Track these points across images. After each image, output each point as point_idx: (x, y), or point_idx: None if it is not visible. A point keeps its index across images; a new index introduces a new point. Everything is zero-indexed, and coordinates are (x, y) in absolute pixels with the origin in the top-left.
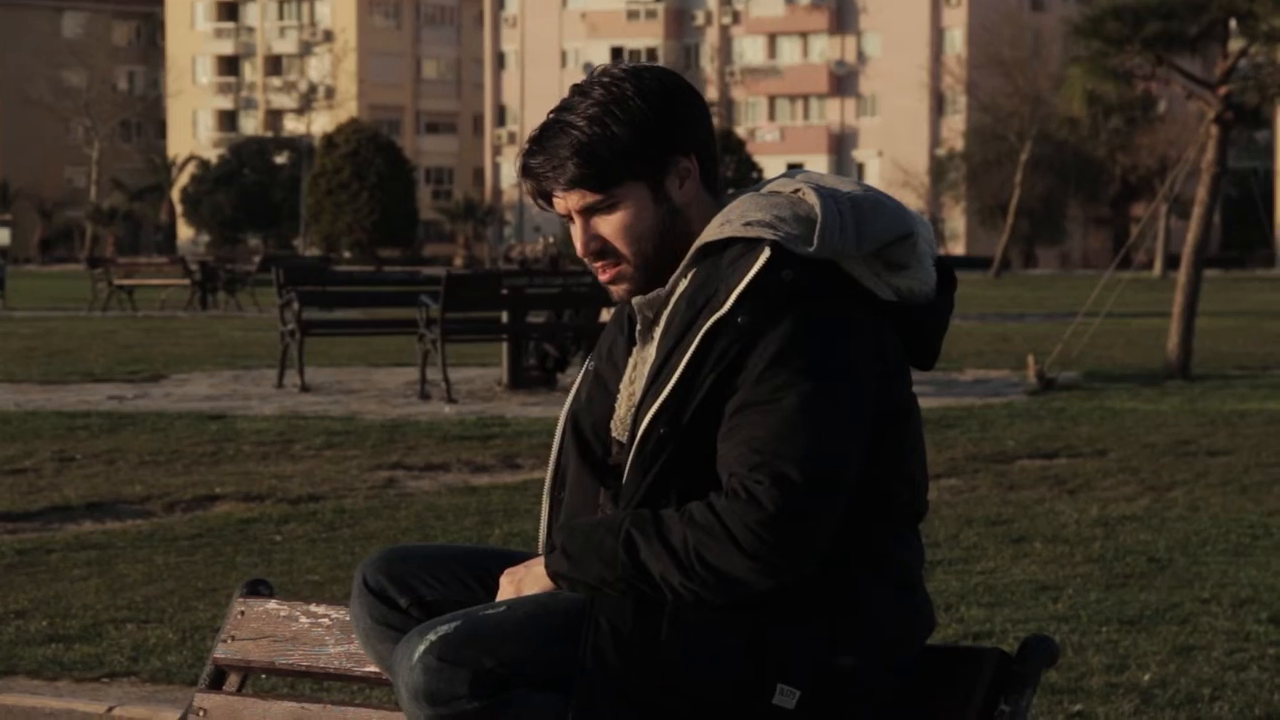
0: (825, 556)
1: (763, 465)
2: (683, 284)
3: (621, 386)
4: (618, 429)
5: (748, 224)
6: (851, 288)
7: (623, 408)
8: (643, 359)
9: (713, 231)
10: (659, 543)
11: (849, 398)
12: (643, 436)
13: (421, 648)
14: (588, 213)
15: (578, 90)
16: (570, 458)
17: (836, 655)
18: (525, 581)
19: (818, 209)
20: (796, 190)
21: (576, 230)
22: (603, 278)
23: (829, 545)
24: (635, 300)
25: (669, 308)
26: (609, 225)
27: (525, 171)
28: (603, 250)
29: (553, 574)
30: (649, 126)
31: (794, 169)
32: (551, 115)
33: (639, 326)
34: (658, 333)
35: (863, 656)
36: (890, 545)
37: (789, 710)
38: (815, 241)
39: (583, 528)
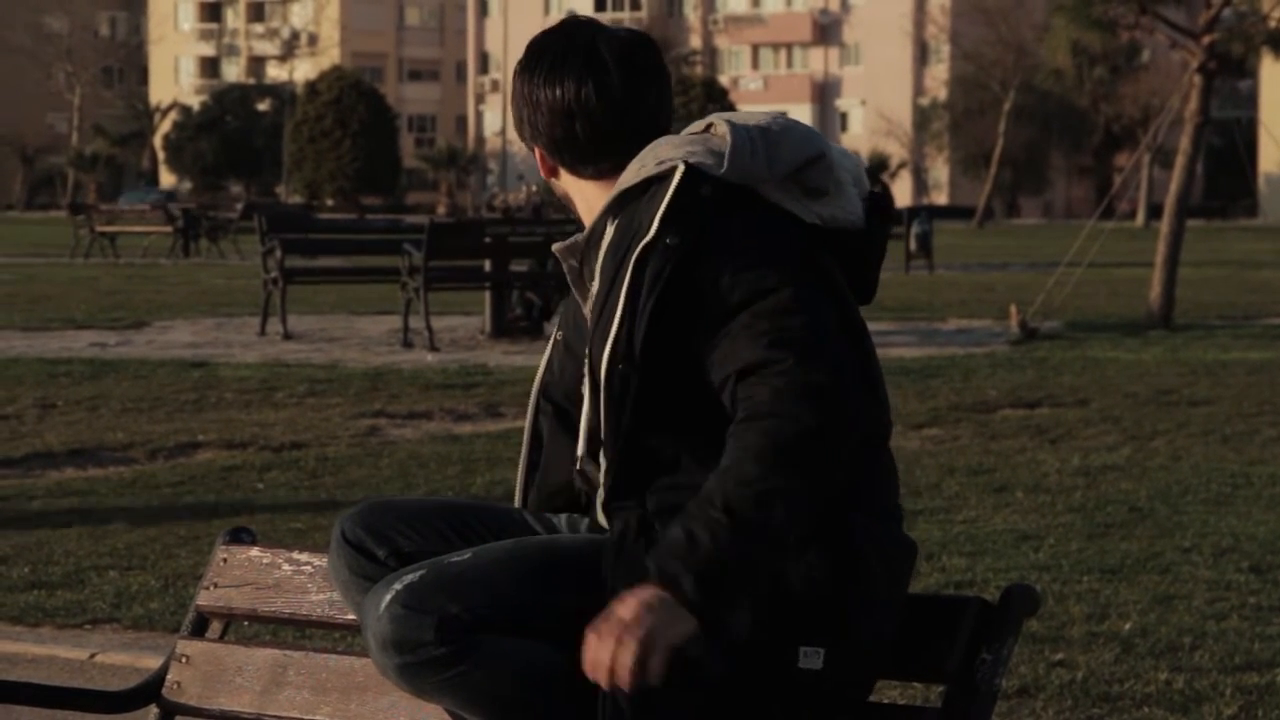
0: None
1: (765, 363)
2: (609, 231)
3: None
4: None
5: (660, 163)
6: (761, 200)
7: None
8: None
9: (630, 176)
10: (743, 482)
11: (806, 278)
12: (606, 378)
13: (388, 597)
14: None
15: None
16: (547, 426)
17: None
18: (634, 622)
19: (727, 136)
20: (709, 126)
21: None
22: None
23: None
24: (555, 248)
25: (601, 251)
26: None
27: None
28: None
29: (692, 604)
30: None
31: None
32: None
33: (569, 278)
34: (593, 279)
35: (865, 605)
36: (873, 470)
37: (817, 670)
38: (726, 164)
39: (669, 548)
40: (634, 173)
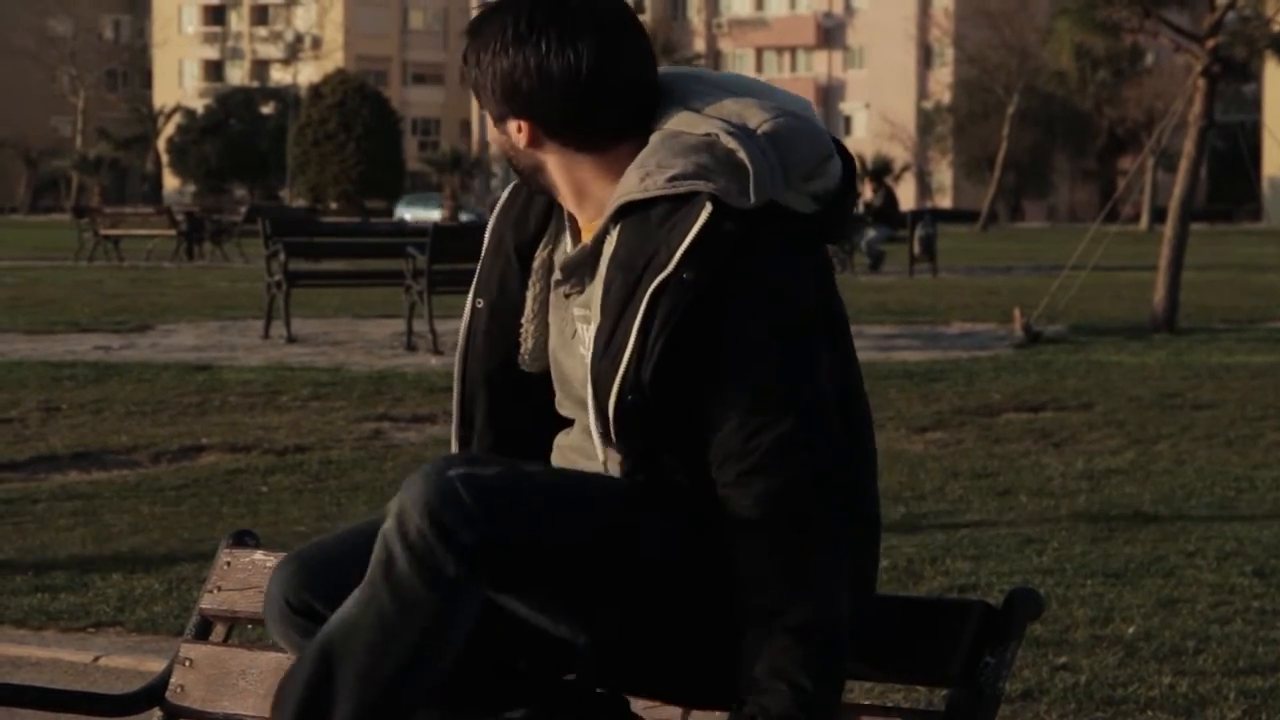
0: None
1: (761, 429)
2: (610, 244)
3: (524, 323)
4: (526, 362)
5: (671, 179)
6: (781, 212)
7: (528, 343)
8: (556, 304)
9: (634, 188)
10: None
11: (815, 331)
12: (615, 412)
13: (460, 471)
14: None
15: None
16: (477, 399)
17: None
18: None
19: (744, 157)
20: (708, 134)
21: None
22: None
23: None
24: (561, 263)
25: (602, 272)
26: None
27: None
28: None
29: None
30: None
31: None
32: None
33: (555, 277)
34: (594, 295)
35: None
36: (860, 470)
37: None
38: (753, 195)
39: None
40: (640, 183)
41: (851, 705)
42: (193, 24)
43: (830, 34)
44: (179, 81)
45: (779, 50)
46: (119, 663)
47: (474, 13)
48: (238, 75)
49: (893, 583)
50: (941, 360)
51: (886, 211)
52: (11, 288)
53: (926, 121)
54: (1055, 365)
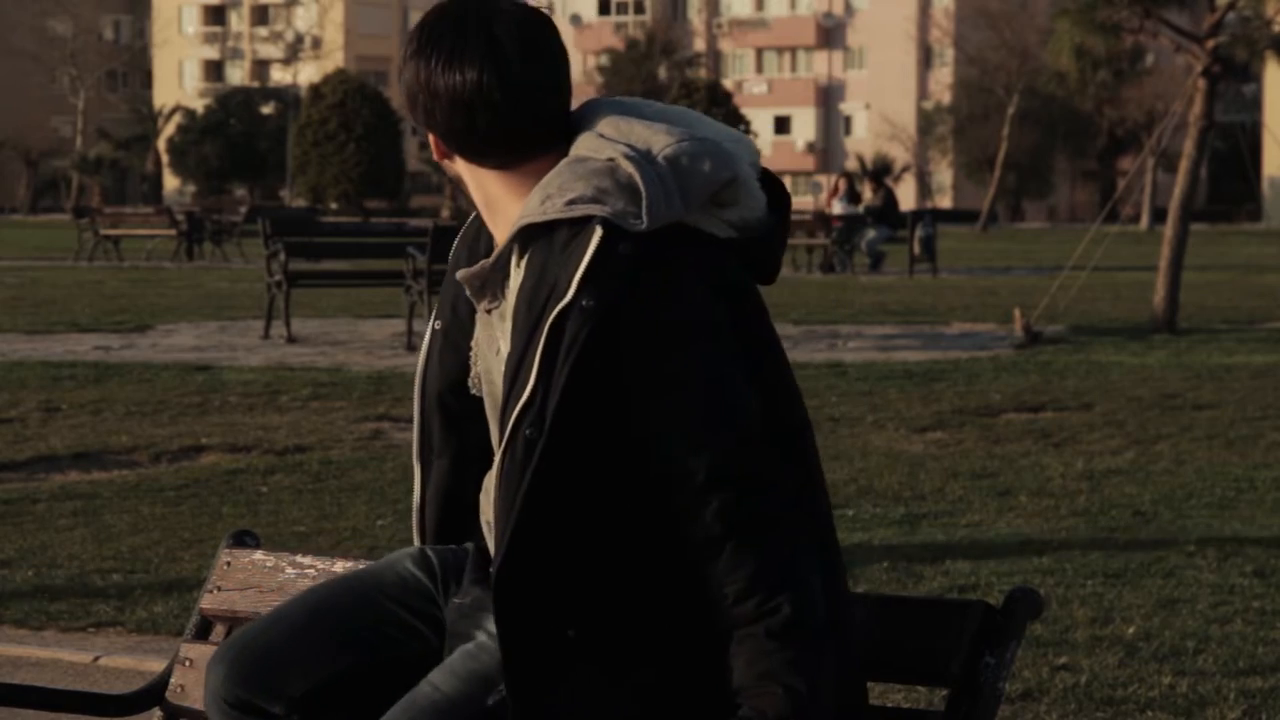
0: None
1: (700, 448)
2: (517, 269)
3: (473, 344)
4: (475, 385)
5: (570, 203)
6: (688, 234)
7: (477, 365)
8: (484, 323)
9: (534, 211)
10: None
11: (730, 351)
12: (508, 441)
13: None
14: None
15: None
16: (434, 420)
17: None
18: None
19: (638, 181)
20: (610, 159)
21: None
22: None
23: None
24: (460, 275)
25: (512, 299)
26: None
27: None
28: None
29: None
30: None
31: (781, 120)
32: None
33: (470, 292)
34: (503, 310)
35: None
36: (808, 489)
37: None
38: (645, 219)
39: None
40: (540, 206)
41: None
42: (193, 24)
43: (830, 34)
44: (179, 82)
45: (779, 50)
46: (119, 663)
47: None
48: (238, 75)
49: (893, 583)
50: (941, 360)
51: (887, 212)
52: (11, 288)
53: (927, 122)
54: (1055, 366)
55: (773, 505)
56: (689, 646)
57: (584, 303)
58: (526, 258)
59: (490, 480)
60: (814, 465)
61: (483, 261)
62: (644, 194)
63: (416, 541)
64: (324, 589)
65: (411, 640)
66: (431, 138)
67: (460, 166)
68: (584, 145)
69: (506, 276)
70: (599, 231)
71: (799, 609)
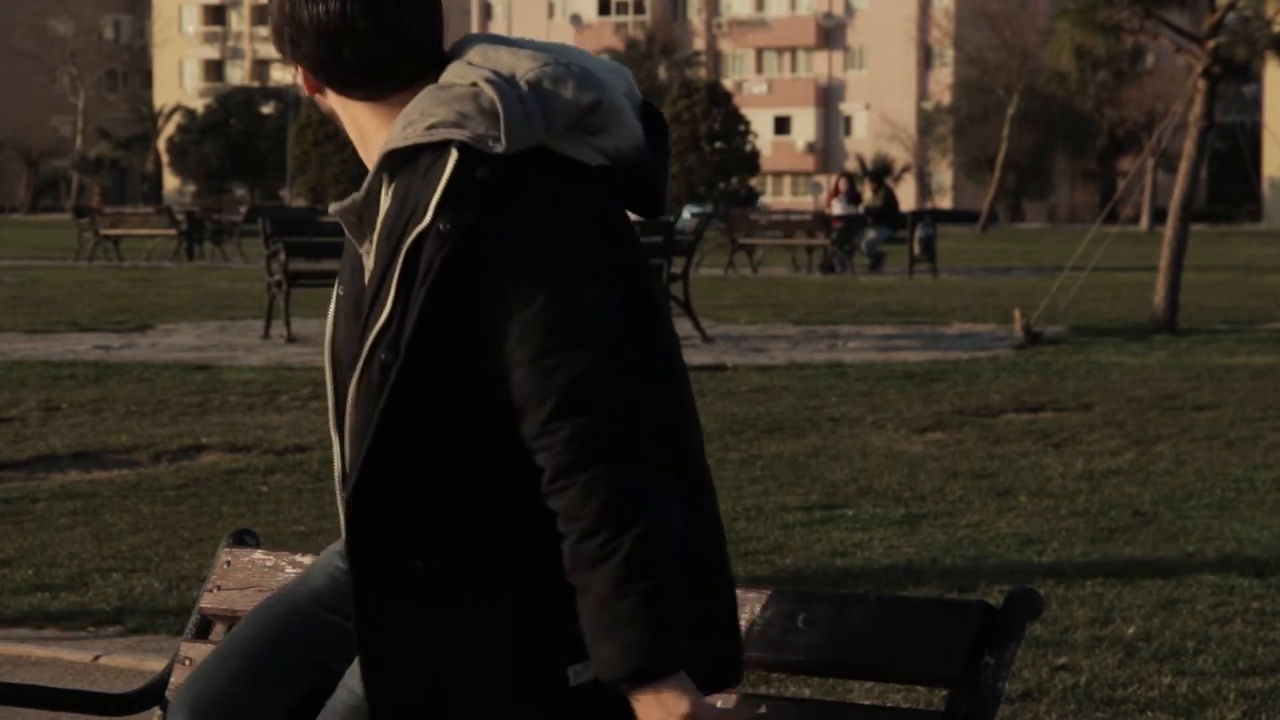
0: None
1: (554, 370)
2: (385, 196)
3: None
4: None
5: (430, 127)
6: (555, 161)
7: None
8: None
9: (396, 137)
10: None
11: (596, 278)
12: (364, 364)
13: None
14: None
15: None
16: (344, 387)
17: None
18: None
19: (498, 104)
20: (473, 84)
21: None
22: None
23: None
24: (333, 209)
25: (378, 226)
26: None
27: None
28: None
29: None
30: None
31: (781, 121)
32: None
33: (349, 231)
34: (369, 246)
35: None
36: (674, 417)
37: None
38: (503, 140)
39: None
40: (401, 131)
41: (852, 705)
42: (193, 24)
43: (830, 34)
44: (179, 81)
45: (779, 51)
46: (119, 662)
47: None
48: (238, 75)
49: (893, 583)
50: (941, 361)
51: (887, 212)
52: (11, 288)
53: (927, 122)
54: (1055, 366)
55: (629, 434)
56: (546, 583)
57: (441, 226)
58: (393, 186)
59: None
60: (683, 390)
61: (353, 194)
62: (502, 116)
63: (341, 512)
64: (266, 615)
65: (354, 647)
66: (300, 71)
67: (331, 99)
68: (450, 73)
69: (379, 209)
70: (454, 155)
71: (642, 548)
